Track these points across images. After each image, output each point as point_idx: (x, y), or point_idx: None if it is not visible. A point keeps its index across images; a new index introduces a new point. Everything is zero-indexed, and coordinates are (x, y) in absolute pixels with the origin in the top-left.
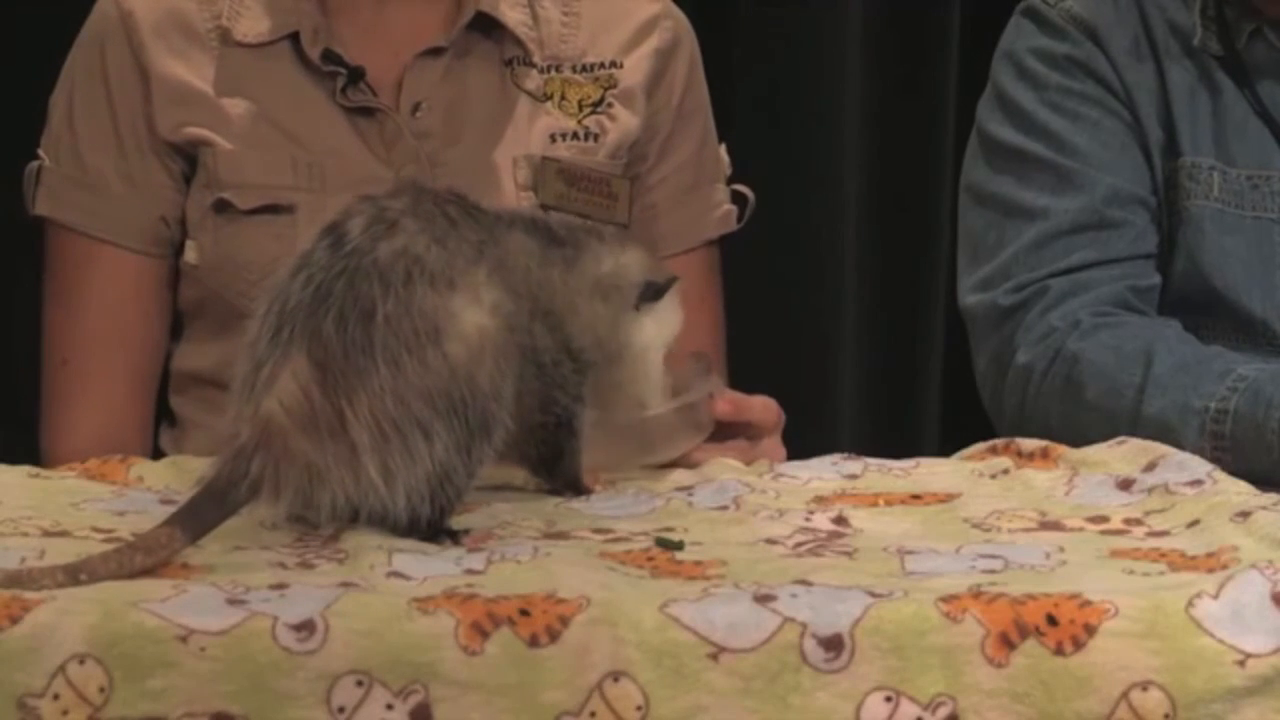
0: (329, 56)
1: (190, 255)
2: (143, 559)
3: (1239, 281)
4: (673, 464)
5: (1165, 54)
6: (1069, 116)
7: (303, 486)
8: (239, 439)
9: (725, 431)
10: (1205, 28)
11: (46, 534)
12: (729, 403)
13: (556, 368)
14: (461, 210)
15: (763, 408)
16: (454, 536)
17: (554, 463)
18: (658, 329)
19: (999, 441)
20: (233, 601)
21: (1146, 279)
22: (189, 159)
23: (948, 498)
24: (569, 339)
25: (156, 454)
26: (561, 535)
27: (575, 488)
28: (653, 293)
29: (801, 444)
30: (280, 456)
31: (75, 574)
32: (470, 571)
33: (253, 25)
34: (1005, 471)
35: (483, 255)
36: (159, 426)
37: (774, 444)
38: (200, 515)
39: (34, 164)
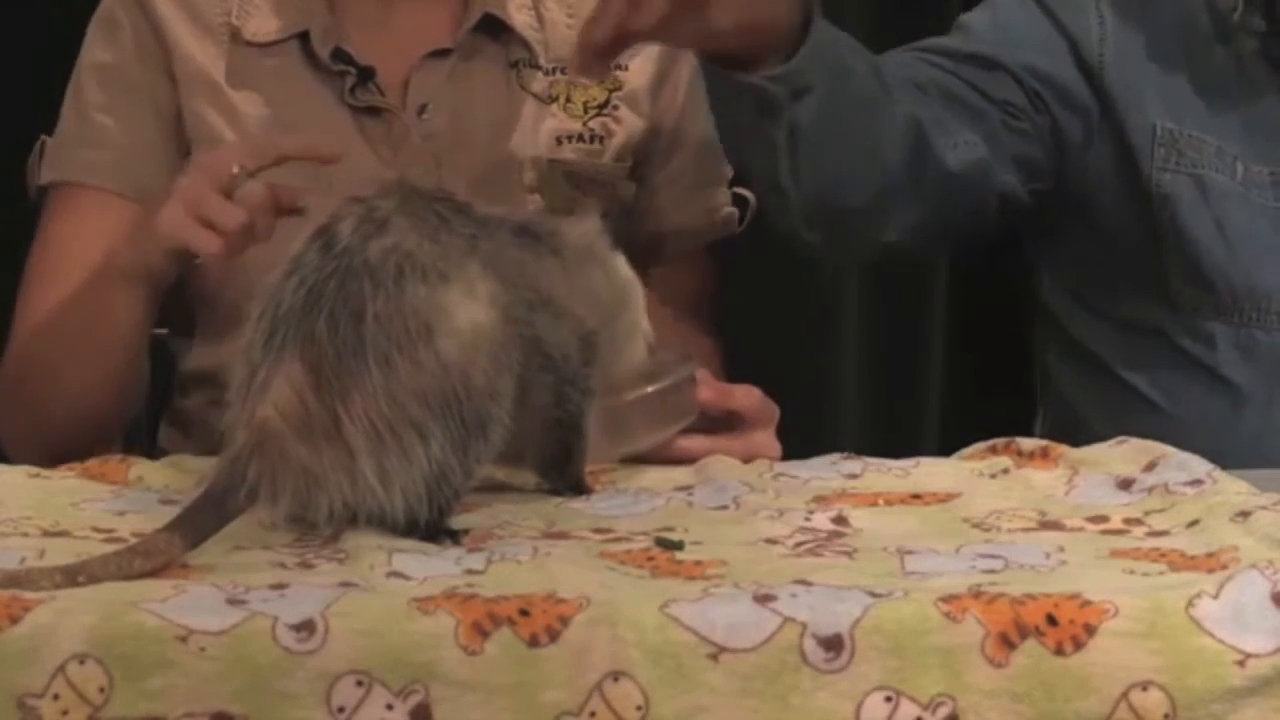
0: (339, 56)
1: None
2: (141, 564)
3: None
4: (659, 455)
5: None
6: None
7: (300, 491)
8: (235, 445)
9: (712, 423)
10: (1248, 5)
11: (46, 534)
12: (712, 389)
13: (566, 362)
14: (451, 208)
15: (745, 395)
16: (454, 536)
17: (563, 463)
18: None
19: (999, 441)
20: (233, 601)
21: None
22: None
23: (948, 497)
24: (578, 322)
25: (157, 453)
26: (561, 535)
27: (578, 488)
28: (612, 231)
29: (801, 444)
30: (276, 462)
31: (74, 576)
32: (470, 571)
33: (261, 24)
34: (1005, 471)
35: (476, 249)
36: (159, 425)
37: (767, 438)
38: (198, 521)
39: (37, 146)
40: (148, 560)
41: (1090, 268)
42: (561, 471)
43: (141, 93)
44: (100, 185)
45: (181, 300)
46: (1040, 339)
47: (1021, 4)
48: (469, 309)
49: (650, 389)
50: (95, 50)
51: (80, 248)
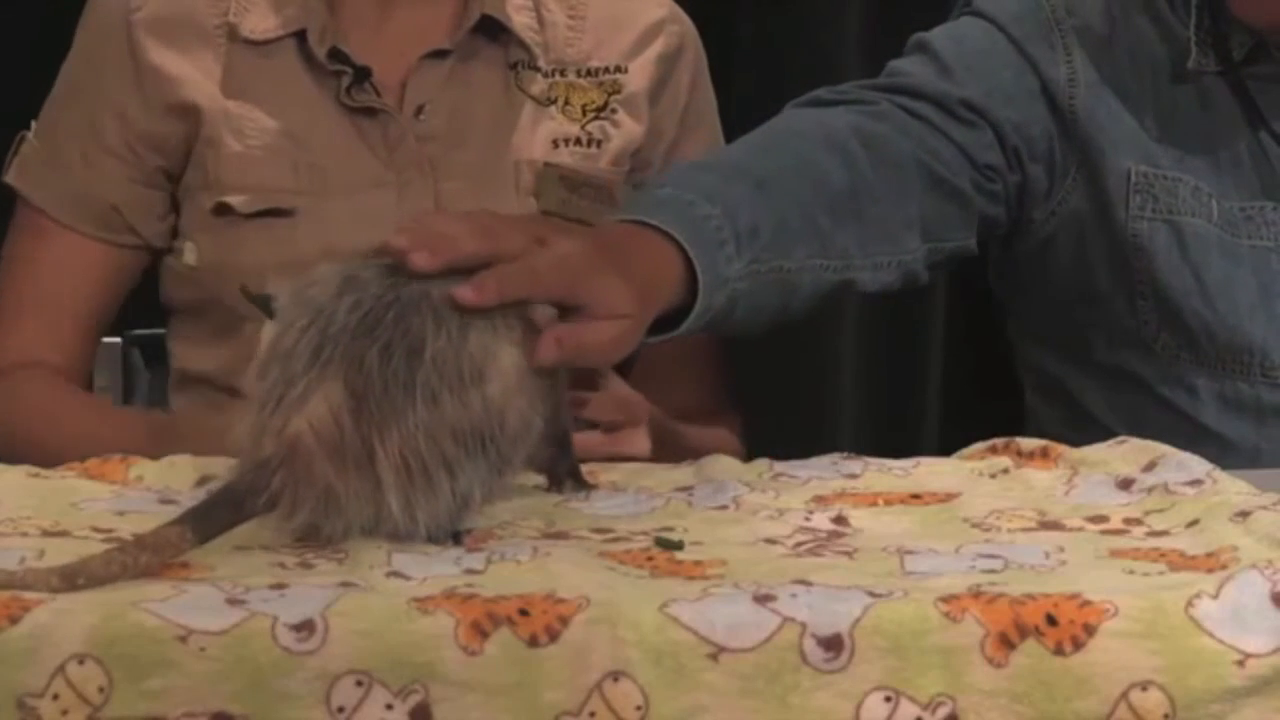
0: (336, 55)
1: (189, 257)
2: (150, 558)
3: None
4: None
5: (1158, 74)
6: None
7: (320, 509)
8: (262, 451)
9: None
10: (1200, 45)
11: (46, 534)
12: None
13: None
14: None
15: (598, 407)
16: (454, 536)
17: (563, 454)
18: None
19: (999, 441)
20: (232, 601)
21: (930, 149)
22: (180, 156)
23: (948, 497)
24: None
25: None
26: (561, 535)
27: (577, 476)
28: None
29: (801, 444)
30: (302, 477)
31: (73, 578)
32: (470, 571)
33: (259, 21)
34: (1005, 471)
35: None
36: None
37: (631, 435)
38: (213, 518)
39: (21, 134)
40: (157, 554)
41: (1064, 315)
42: (564, 460)
43: (108, 117)
44: (66, 222)
45: (177, 303)
46: (1020, 372)
47: (988, 35)
48: (516, 352)
49: None
50: (77, 62)
51: (50, 282)
